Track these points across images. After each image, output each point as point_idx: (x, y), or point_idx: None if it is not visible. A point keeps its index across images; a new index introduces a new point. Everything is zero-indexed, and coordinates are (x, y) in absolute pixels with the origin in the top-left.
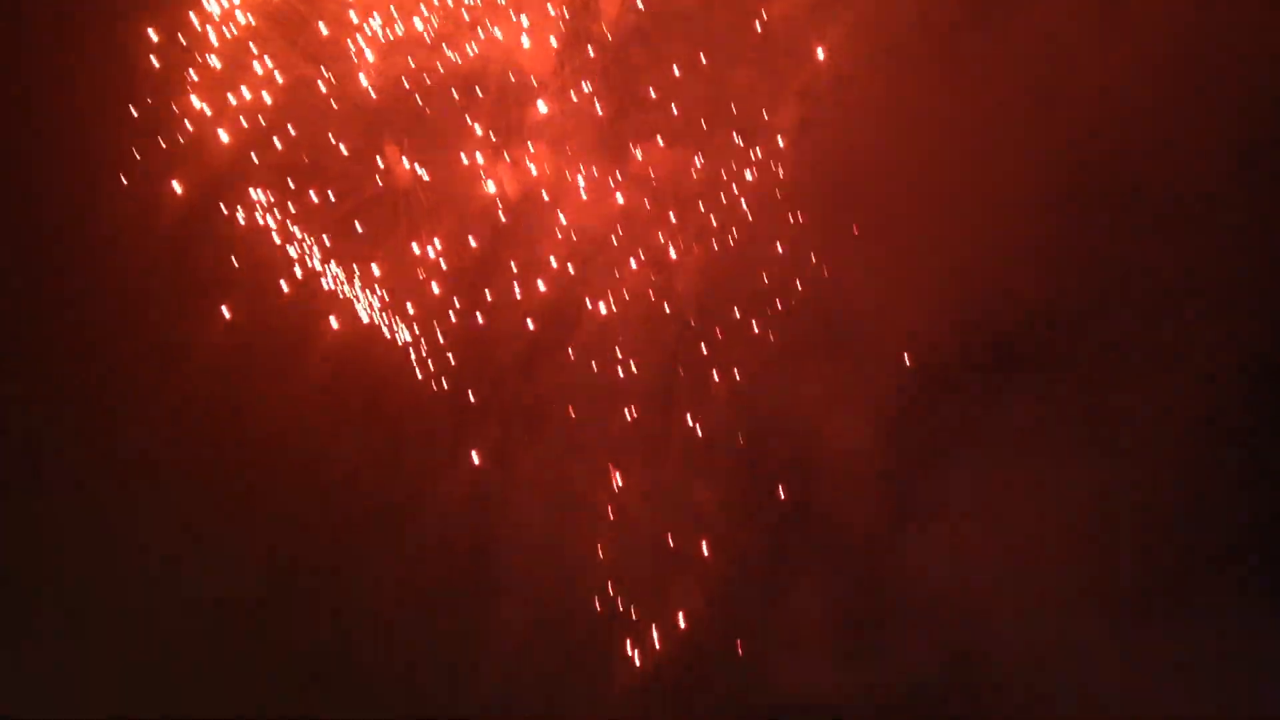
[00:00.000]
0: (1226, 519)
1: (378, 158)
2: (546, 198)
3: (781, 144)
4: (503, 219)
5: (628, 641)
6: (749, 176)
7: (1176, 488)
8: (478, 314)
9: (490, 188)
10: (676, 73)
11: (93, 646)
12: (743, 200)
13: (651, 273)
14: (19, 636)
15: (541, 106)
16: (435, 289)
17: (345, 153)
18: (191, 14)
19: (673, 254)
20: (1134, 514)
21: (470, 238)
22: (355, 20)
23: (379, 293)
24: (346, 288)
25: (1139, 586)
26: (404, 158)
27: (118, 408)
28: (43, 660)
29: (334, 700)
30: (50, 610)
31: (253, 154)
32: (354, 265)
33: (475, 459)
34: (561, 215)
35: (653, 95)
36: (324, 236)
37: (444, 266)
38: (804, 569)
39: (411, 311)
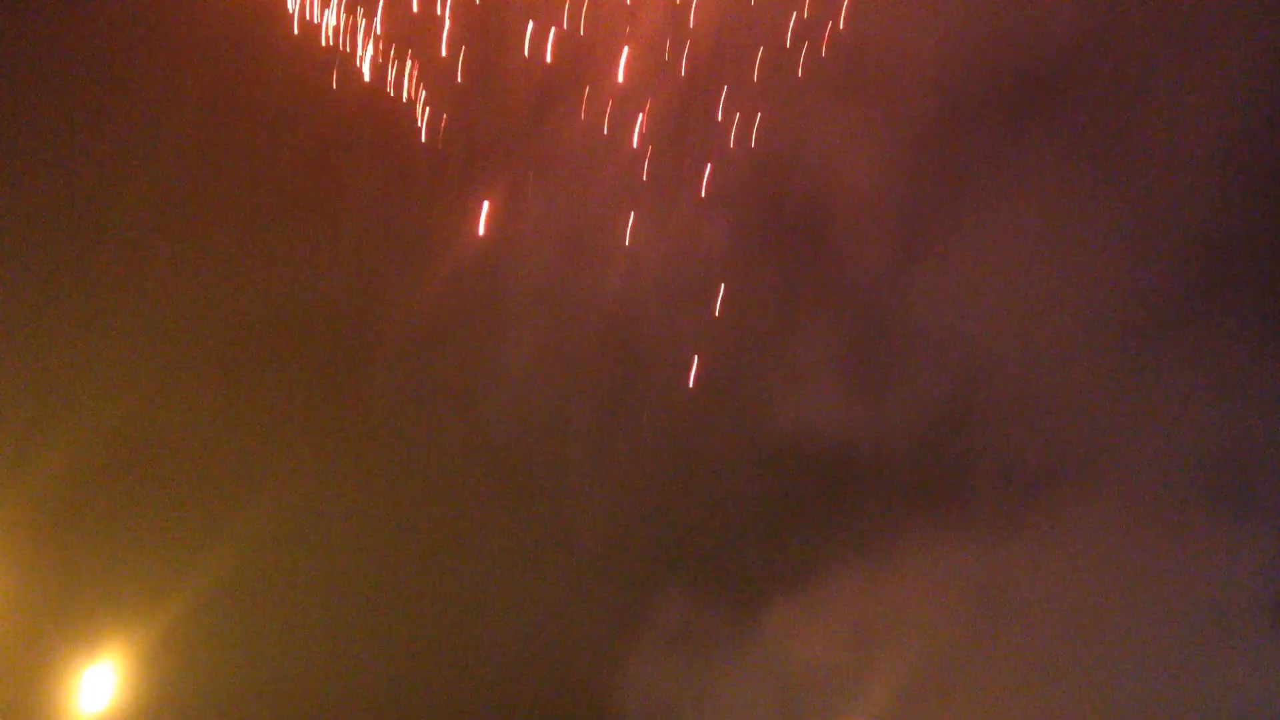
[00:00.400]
0: (1237, 259)
1: None
2: None
3: None
4: None
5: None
6: None
7: (1187, 228)
8: (485, 66)
9: None
10: None
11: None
12: None
13: (667, 25)
14: None
15: None
16: (441, 41)
17: None
18: None
19: (692, 7)
20: (1143, 255)
21: None
22: None
23: (382, 46)
24: (348, 42)
25: (1144, 327)
26: None
27: (110, 175)
28: None
29: (345, 421)
30: None
31: None
32: (355, 17)
33: (486, 202)
34: None
35: None
36: None
37: (449, 18)
38: (814, 307)
39: (417, 65)
